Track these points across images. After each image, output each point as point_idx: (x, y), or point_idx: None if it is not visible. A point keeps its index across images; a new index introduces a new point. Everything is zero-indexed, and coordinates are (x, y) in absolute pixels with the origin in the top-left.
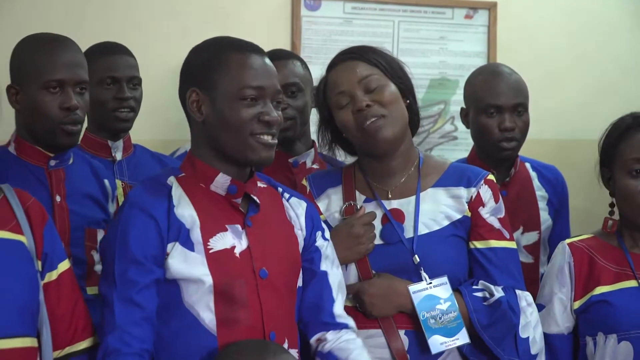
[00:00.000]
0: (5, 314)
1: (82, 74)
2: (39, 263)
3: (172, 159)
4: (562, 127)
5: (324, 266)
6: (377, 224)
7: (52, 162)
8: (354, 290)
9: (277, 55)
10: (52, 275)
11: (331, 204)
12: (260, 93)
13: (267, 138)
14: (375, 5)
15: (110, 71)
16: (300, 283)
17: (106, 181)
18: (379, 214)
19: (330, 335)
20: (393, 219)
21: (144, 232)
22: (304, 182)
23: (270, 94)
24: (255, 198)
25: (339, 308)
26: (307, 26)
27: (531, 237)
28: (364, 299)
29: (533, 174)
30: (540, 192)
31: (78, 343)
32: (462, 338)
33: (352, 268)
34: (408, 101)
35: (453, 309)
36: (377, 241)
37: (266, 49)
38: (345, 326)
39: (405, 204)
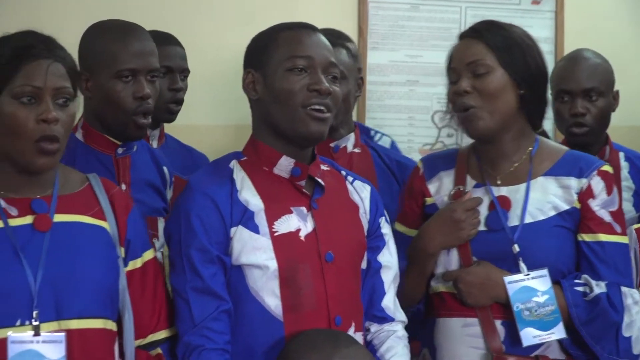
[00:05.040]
0: (86, 294)
1: (154, 62)
2: (122, 250)
3: (200, 153)
4: (632, 113)
5: (381, 257)
6: (484, 210)
7: (120, 150)
8: (453, 277)
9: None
10: (137, 263)
11: (442, 187)
12: (310, 63)
13: (319, 108)
14: None
15: (166, 61)
16: (364, 265)
17: (165, 168)
18: (487, 200)
19: (374, 327)
20: (499, 205)
21: (208, 217)
22: (419, 163)
23: (320, 64)
24: (320, 180)
25: (388, 300)
26: (374, 12)
27: None
28: (461, 287)
29: (624, 164)
30: (627, 183)
31: (160, 332)
32: (558, 333)
33: (454, 253)
34: (522, 91)
35: (550, 302)
36: (482, 227)
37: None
38: (391, 319)
39: (513, 192)
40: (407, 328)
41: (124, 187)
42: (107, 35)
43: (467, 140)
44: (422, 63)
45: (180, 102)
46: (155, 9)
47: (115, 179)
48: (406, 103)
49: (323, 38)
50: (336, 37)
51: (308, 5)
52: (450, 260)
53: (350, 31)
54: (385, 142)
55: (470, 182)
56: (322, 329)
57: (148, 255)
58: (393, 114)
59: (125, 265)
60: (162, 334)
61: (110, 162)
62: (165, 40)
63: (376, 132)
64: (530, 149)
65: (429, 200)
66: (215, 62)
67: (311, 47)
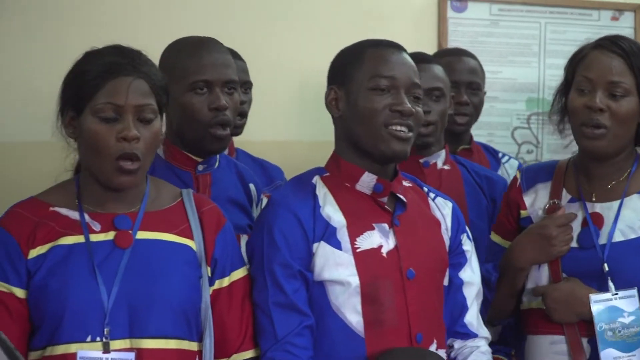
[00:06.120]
0: (162, 314)
1: (230, 73)
2: (208, 269)
3: (274, 166)
4: None
5: (463, 274)
6: (577, 226)
7: (200, 167)
8: (541, 292)
9: (424, 59)
10: (223, 282)
11: (537, 199)
12: (393, 83)
13: (401, 129)
14: (521, 6)
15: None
16: (446, 282)
17: (252, 185)
18: (581, 216)
19: (457, 343)
20: (591, 222)
21: (290, 233)
22: (517, 173)
23: (404, 85)
24: (402, 197)
25: (471, 316)
26: (454, 28)
27: None
28: (547, 303)
29: None
30: None
31: (245, 352)
32: None
33: (545, 269)
34: None
35: (636, 323)
36: (573, 244)
37: (413, 51)
38: (474, 335)
39: (606, 209)
40: (503, 340)
41: None
42: (181, 50)
43: (547, 157)
44: (502, 79)
45: (242, 114)
46: (238, 26)
47: None
48: (486, 119)
49: (408, 57)
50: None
51: (389, 22)
52: (541, 276)
53: (430, 47)
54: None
55: (565, 196)
56: (410, 347)
57: (237, 274)
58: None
59: (212, 284)
60: (246, 354)
61: (190, 179)
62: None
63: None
64: (630, 168)
65: (523, 213)
66: (298, 78)
67: (395, 67)
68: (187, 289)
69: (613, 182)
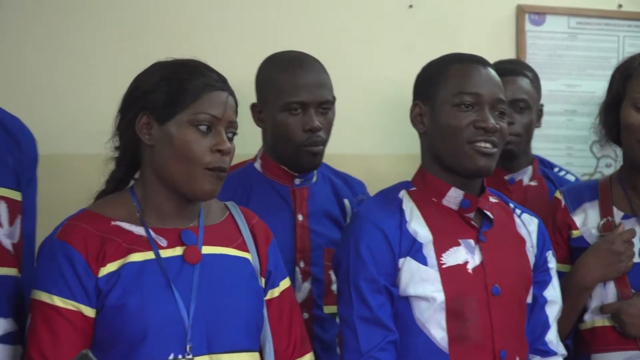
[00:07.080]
0: (235, 328)
1: (324, 94)
2: (263, 280)
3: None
4: None
5: (547, 292)
6: (636, 241)
7: (297, 181)
8: (613, 309)
9: (508, 71)
10: (274, 293)
11: (588, 219)
12: (477, 100)
13: (485, 145)
14: (600, 20)
15: None
16: (529, 299)
17: (346, 200)
18: (638, 231)
19: (537, 359)
20: None
21: (376, 247)
22: (558, 194)
23: (488, 101)
24: (488, 213)
25: (552, 334)
26: (532, 41)
27: None
28: (624, 319)
29: None
30: None
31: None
32: None
33: (611, 286)
34: None
35: None
36: (636, 259)
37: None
38: (554, 353)
39: None
40: None
41: (300, 217)
42: (276, 68)
43: None
44: (580, 92)
45: None
46: (319, 38)
47: (292, 209)
48: (564, 133)
49: (493, 72)
50: (520, 67)
51: (466, 35)
52: (607, 293)
53: None
54: (569, 180)
55: (617, 213)
56: None
57: (284, 284)
58: (551, 143)
59: (265, 295)
60: None
61: (287, 192)
62: None
63: (561, 169)
64: None
65: (575, 233)
66: (378, 90)
67: (480, 83)
68: (254, 302)
69: None
